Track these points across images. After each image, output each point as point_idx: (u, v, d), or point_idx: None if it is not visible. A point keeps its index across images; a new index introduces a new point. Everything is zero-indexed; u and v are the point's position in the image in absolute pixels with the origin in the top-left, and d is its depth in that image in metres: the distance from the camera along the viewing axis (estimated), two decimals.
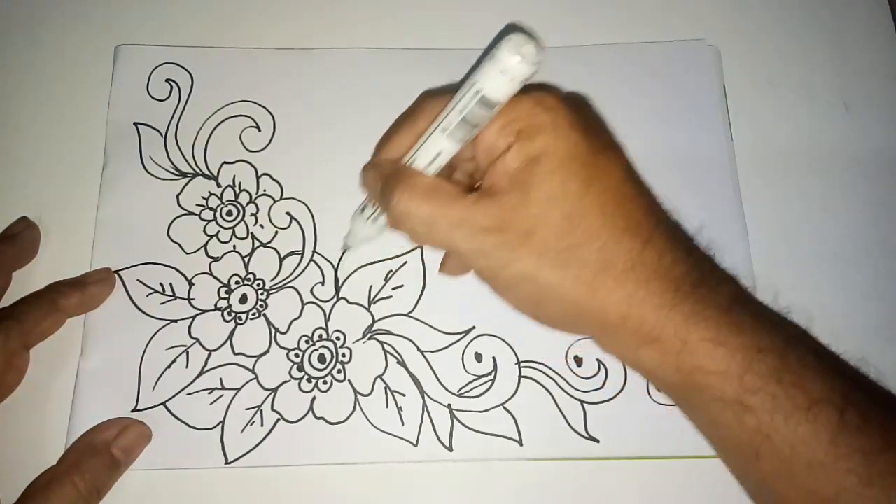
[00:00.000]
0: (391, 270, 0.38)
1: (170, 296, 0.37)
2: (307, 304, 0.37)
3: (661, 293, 0.28)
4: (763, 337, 0.28)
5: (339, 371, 0.36)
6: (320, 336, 0.37)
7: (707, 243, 0.32)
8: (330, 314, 0.37)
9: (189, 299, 0.37)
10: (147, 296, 0.37)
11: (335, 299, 0.37)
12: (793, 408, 0.27)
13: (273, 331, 0.37)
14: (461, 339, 0.37)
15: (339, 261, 0.38)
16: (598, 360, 0.36)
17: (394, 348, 0.36)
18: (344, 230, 0.38)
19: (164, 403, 0.35)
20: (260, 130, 0.40)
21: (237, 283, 0.37)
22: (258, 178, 0.39)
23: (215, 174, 0.39)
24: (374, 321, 0.37)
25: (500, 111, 0.28)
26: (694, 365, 0.28)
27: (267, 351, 0.36)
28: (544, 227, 0.28)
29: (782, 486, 0.28)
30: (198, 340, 0.36)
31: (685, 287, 0.28)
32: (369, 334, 0.37)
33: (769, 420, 0.27)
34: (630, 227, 0.29)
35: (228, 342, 0.36)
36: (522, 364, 0.36)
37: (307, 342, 0.36)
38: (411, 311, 0.37)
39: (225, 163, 0.40)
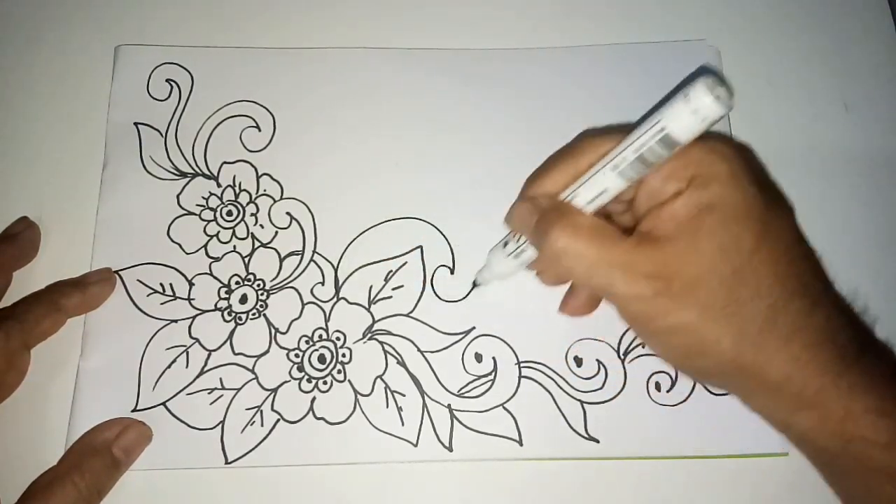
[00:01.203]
0: (391, 270, 0.38)
1: (170, 296, 0.37)
2: (307, 304, 0.37)
3: (828, 359, 0.27)
4: None
5: (339, 371, 0.36)
6: (320, 336, 0.37)
7: (864, 309, 0.32)
8: (330, 314, 0.37)
9: (189, 299, 0.37)
10: (147, 296, 0.37)
11: (335, 299, 0.37)
12: None
13: (273, 331, 0.37)
14: (461, 339, 0.37)
15: (332, 307, 0.37)
16: (597, 360, 0.36)
17: (394, 348, 0.36)
18: (344, 230, 0.38)
19: (164, 403, 0.35)
20: (260, 130, 0.40)
21: (237, 283, 0.37)
22: (258, 178, 0.39)
23: (215, 174, 0.39)
24: (374, 321, 0.37)
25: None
26: (856, 434, 0.27)
27: (267, 351, 0.36)
28: (712, 279, 0.27)
29: None
30: (198, 340, 0.36)
31: (850, 355, 0.28)
32: (369, 334, 0.37)
33: None
34: (799, 288, 0.28)
35: (228, 342, 0.36)
36: (522, 364, 0.36)
37: (307, 342, 0.36)
38: (411, 312, 0.37)
39: (225, 163, 0.40)
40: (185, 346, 0.36)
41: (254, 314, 0.37)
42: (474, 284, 0.37)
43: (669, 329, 0.28)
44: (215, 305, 0.37)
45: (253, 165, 0.40)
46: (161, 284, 0.37)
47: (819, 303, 0.28)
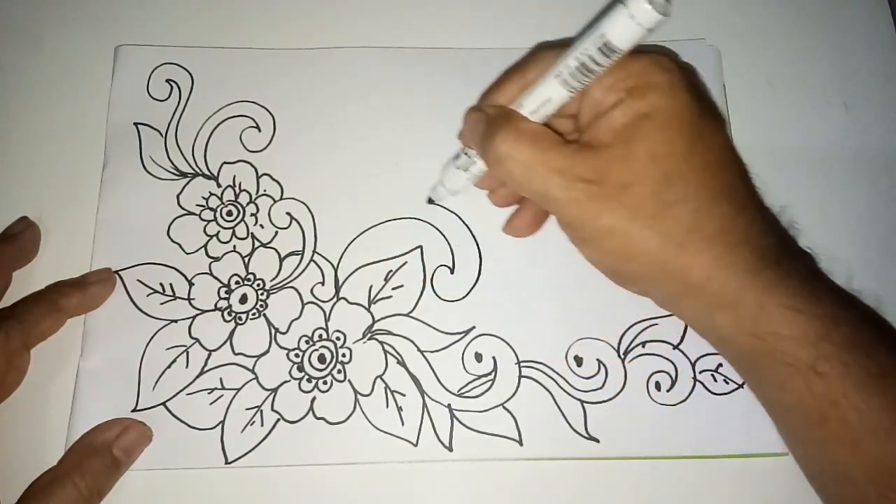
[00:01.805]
0: (391, 270, 0.38)
1: (170, 296, 0.37)
2: (307, 304, 0.37)
3: (748, 259, 0.28)
4: (839, 309, 0.28)
5: (339, 371, 0.36)
6: (320, 336, 0.37)
7: (790, 223, 0.33)
8: (330, 314, 0.37)
9: (189, 299, 0.37)
10: (147, 296, 0.37)
11: (335, 299, 0.37)
12: (864, 375, 0.27)
13: (273, 331, 0.37)
14: (461, 339, 0.37)
15: (332, 306, 0.37)
16: (598, 360, 0.36)
17: (394, 348, 0.36)
18: (344, 229, 0.38)
19: (164, 403, 0.35)
20: (260, 131, 0.40)
21: (237, 283, 0.37)
22: (258, 178, 0.39)
23: (215, 174, 0.39)
24: (374, 321, 0.37)
25: (612, 67, 0.28)
26: (769, 330, 0.28)
27: (267, 351, 0.36)
28: (642, 183, 0.28)
29: (844, 454, 0.28)
30: (198, 340, 0.36)
31: (770, 256, 0.29)
32: (369, 334, 0.37)
33: (839, 386, 0.27)
34: (726, 192, 0.29)
35: (228, 342, 0.36)
36: (522, 364, 0.36)
37: (307, 342, 0.36)
38: (411, 311, 0.37)
39: (225, 163, 0.40)
40: (185, 346, 0.36)
41: (254, 314, 0.37)
42: (429, 201, 0.38)
43: (601, 232, 0.29)
44: (215, 305, 0.37)
45: (253, 165, 0.40)
46: (161, 284, 0.37)
47: (744, 208, 0.29)
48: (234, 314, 0.37)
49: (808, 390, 0.28)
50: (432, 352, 0.36)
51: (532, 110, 0.30)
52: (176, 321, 0.37)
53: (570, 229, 0.31)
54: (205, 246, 0.38)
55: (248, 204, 0.39)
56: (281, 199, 0.39)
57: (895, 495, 0.27)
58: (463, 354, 0.36)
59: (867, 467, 0.27)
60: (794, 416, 0.30)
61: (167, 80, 0.41)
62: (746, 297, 0.28)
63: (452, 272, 0.38)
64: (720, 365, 0.36)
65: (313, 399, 0.35)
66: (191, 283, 0.37)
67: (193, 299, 0.37)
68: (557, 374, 0.36)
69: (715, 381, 0.36)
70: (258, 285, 0.37)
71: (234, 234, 0.38)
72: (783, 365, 0.28)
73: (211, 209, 0.39)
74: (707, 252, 0.28)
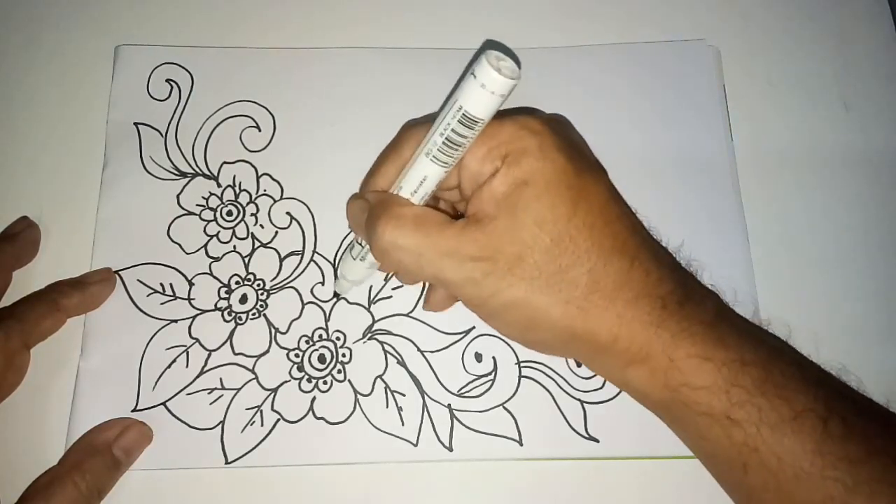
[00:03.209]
0: None
1: (170, 296, 0.37)
2: (307, 304, 0.37)
3: (650, 311, 0.28)
4: (747, 350, 0.28)
5: (339, 371, 0.36)
6: (320, 336, 0.37)
7: (688, 260, 0.32)
8: (330, 314, 0.37)
9: (189, 299, 0.37)
10: (147, 296, 0.37)
11: (335, 299, 0.37)
12: (778, 419, 0.27)
13: (273, 331, 0.37)
14: (461, 339, 0.37)
15: (331, 308, 0.37)
16: None
17: (394, 348, 0.36)
18: (344, 229, 0.38)
19: (164, 403, 0.35)
20: (260, 130, 0.40)
21: (237, 283, 0.37)
22: (258, 178, 0.39)
23: (215, 174, 0.39)
24: (374, 321, 0.37)
25: (483, 136, 0.28)
26: (681, 381, 0.28)
27: (267, 351, 0.36)
28: (533, 252, 0.28)
29: (770, 499, 0.28)
30: (198, 340, 0.36)
31: (672, 305, 0.29)
32: (369, 334, 0.37)
33: (756, 432, 0.27)
34: (617, 247, 0.29)
35: (228, 342, 0.36)
36: (522, 364, 0.36)
37: (307, 342, 0.36)
38: (411, 311, 0.37)
39: (225, 163, 0.40)
40: (185, 346, 0.36)
41: (254, 314, 0.37)
42: (335, 296, 0.37)
43: (503, 307, 0.29)
44: (215, 305, 0.37)
45: (253, 165, 0.40)
46: (161, 284, 0.37)
47: (637, 259, 0.29)
48: (234, 314, 0.37)
49: (727, 439, 0.28)
50: (432, 352, 0.36)
51: (412, 191, 0.30)
52: (176, 321, 0.37)
53: (472, 307, 0.30)
54: (205, 246, 0.38)
55: (248, 204, 0.39)
56: (281, 198, 0.39)
57: None
58: (463, 354, 0.36)
59: None
60: (717, 462, 0.30)
61: (167, 80, 0.41)
62: (654, 350, 0.28)
63: None
64: None
65: (313, 399, 0.35)
66: (191, 283, 0.37)
67: (193, 299, 0.37)
68: (557, 374, 0.36)
69: None
70: (258, 285, 0.37)
71: (234, 234, 0.38)
72: (700, 415, 0.28)
73: (211, 209, 0.39)
74: (609, 311, 0.28)
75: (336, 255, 0.38)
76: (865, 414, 0.29)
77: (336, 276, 0.37)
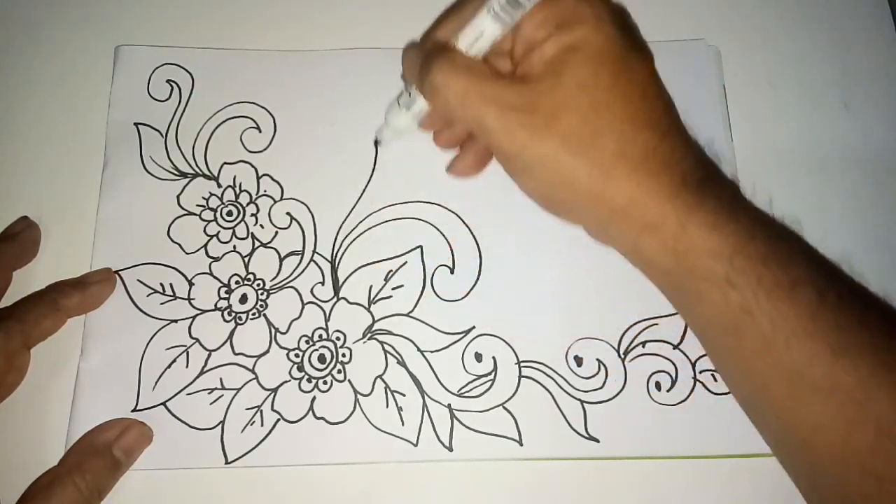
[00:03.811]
0: (391, 270, 0.38)
1: (170, 296, 0.37)
2: (307, 304, 0.37)
3: (669, 184, 0.29)
4: (756, 226, 0.29)
5: (339, 371, 0.36)
6: (320, 336, 0.37)
7: (717, 156, 0.33)
8: (330, 314, 0.37)
9: (189, 299, 0.37)
10: (147, 296, 0.37)
11: (335, 299, 0.37)
12: (776, 286, 0.28)
13: (273, 331, 0.37)
14: (461, 339, 0.37)
15: (332, 307, 0.37)
16: (598, 359, 0.36)
17: (394, 348, 0.36)
18: (344, 230, 0.38)
19: (164, 403, 0.35)
20: (260, 131, 0.40)
21: (237, 283, 0.37)
22: (258, 178, 0.39)
23: (216, 175, 0.39)
24: (374, 321, 0.37)
25: (542, 3, 0.30)
26: (688, 246, 0.29)
27: (267, 351, 0.36)
28: (570, 112, 0.29)
29: (759, 362, 0.29)
30: (198, 340, 0.36)
31: (692, 181, 0.29)
32: (369, 334, 0.37)
33: (752, 296, 0.28)
34: (651, 122, 0.30)
35: (228, 342, 0.36)
36: (522, 364, 0.36)
37: (307, 342, 0.36)
38: (411, 311, 0.37)
39: (225, 163, 0.40)
40: (185, 346, 0.36)
41: (254, 314, 0.37)
42: (376, 143, 0.38)
43: (532, 161, 0.30)
44: (215, 305, 0.37)
45: (253, 166, 0.40)
46: (161, 284, 0.37)
47: (666, 136, 0.30)
48: (234, 314, 0.37)
49: (723, 302, 0.29)
50: (432, 352, 0.36)
51: (468, 45, 0.31)
52: (176, 321, 0.37)
53: (503, 159, 0.32)
54: (205, 246, 0.38)
55: (248, 204, 0.39)
56: (281, 199, 0.39)
57: (804, 396, 0.28)
58: (463, 354, 0.36)
59: (781, 373, 0.28)
60: (712, 329, 0.30)
61: (167, 81, 0.41)
62: (668, 218, 0.29)
63: (452, 272, 0.38)
64: None
65: (313, 399, 0.35)
66: (191, 283, 0.37)
67: (193, 299, 0.37)
68: (557, 374, 0.36)
69: (715, 380, 0.36)
70: (258, 285, 0.37)
71: (234, 234, 0.38)
72: (701, 280, 0.29)
73: (211, 209, 0.39)
74: (630, 178, 0.29)
75: (336, 255, 0.38)
76: (861, 295, 0.30)
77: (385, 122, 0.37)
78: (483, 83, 0.30)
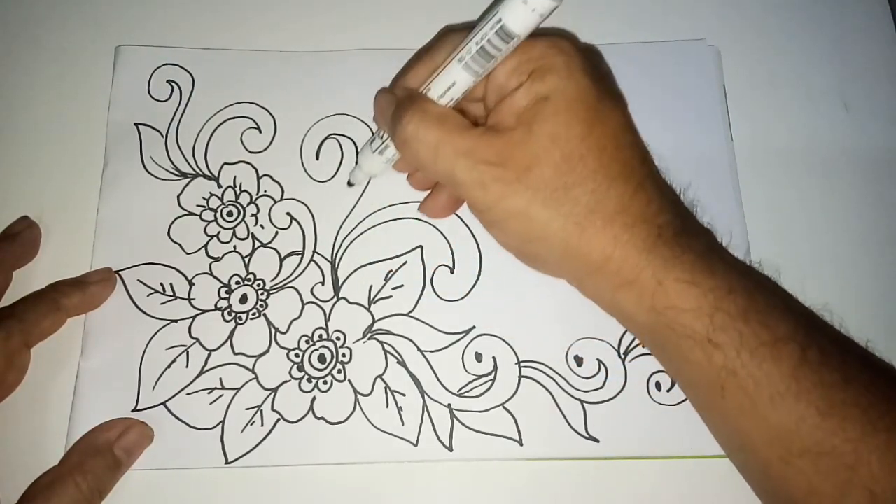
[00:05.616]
0: (391, 270, 0.38)
1: (170, 296, 0.37)
2: (307, 304, 0.37)
3: (645, 237, 0.29)
4: (734, 280, 0.29)
5: (339, 371, 0.36)
6: (320, 336, 0.37)
7: (692, 202, 0.33)
8: (330, 314, 0.37)
9: (189, 299, 0.37)
10: (147, 296, 0.37)
11: (335, 299, 0.37)
12: (758, 344, 0.28)
13: (273, 331, 0.37)
14: (461, 339, 0.37)
15: (332, 307, 0.37)
16: (598, 359, 0.36)
17: (394, 348, 0.36)
18: (344, 229, 0.38)
19: (164, 403, 0.35)
20: (261, 132, 0.40)
21: (237, 283, 0.37)
22: (259, 178, 0.39)
23: (216, 175, 0.39)
24: (374, 321, 0.37)
25: (514, 52, 0.29)
26: (667, 304, 0.29)
27: (267, 351, 0.36)
28: (543, 165, 0.29)
29: (745, 422, 0.29)
30: (198, 340, 0.36)
31: (667, 234, 0.29)
32: (369, 334, 0.37)
33: (735, 356, 0.28)
34: (624, 173, 0.29)
35: (228, 342, 0.36)
36: (522, 364, 0.36)
37: (307, 342, 0.36)
38: (411, 311, 0.37)
39: (226, 164, 0.40)
40: (185, 346, 0.36)
41: (254, 314, 0.37)
42: (349, 184, 0.38)
43: (506, 214, 0.30)
44: (215, 305, 0.37)
45: (254, 166, 0.40)
46: (161, 284, 0.37)
47: (641, 188, 0.30)
48: (234, 314, 0.37)
49: (707, 362, 0.28)
50: (432, 352, 0.36)
51: (439, 94, 0.31)
52: (176, 321, 0.37)
53: (476, 212, 0.31)
54: (205, 246, 0.38)
55: (248, 204, 0.39)
56: (281, 199, 0.39)
57: (794, 458, 0.27)
58: (463, 354, 0.36)
59: (766, 433, 0.28)
60: (698, 388, 0.30)
61: (168, 81, 0.41)
62: (645, 274, 0.29)
63: (452, 272, 0.38)
64: None
65: (313, 399, 0.35)
66: (191, 283, 0.37)
67: (193, 299, 0.37)
68: (557, 374, 0.36)
69: None
70: (258, 285, 0.37)
71: (234, 234, 0.38)
72: (683, 338, 0.29)
73: (211, 209, 0.39)
74: (606, 232, 0.29)
75: (336, 255, 0.38)
76: (843, 347, 0.30)
77: (356, 164, 0.38)
78: (455, 135, 0.30)
